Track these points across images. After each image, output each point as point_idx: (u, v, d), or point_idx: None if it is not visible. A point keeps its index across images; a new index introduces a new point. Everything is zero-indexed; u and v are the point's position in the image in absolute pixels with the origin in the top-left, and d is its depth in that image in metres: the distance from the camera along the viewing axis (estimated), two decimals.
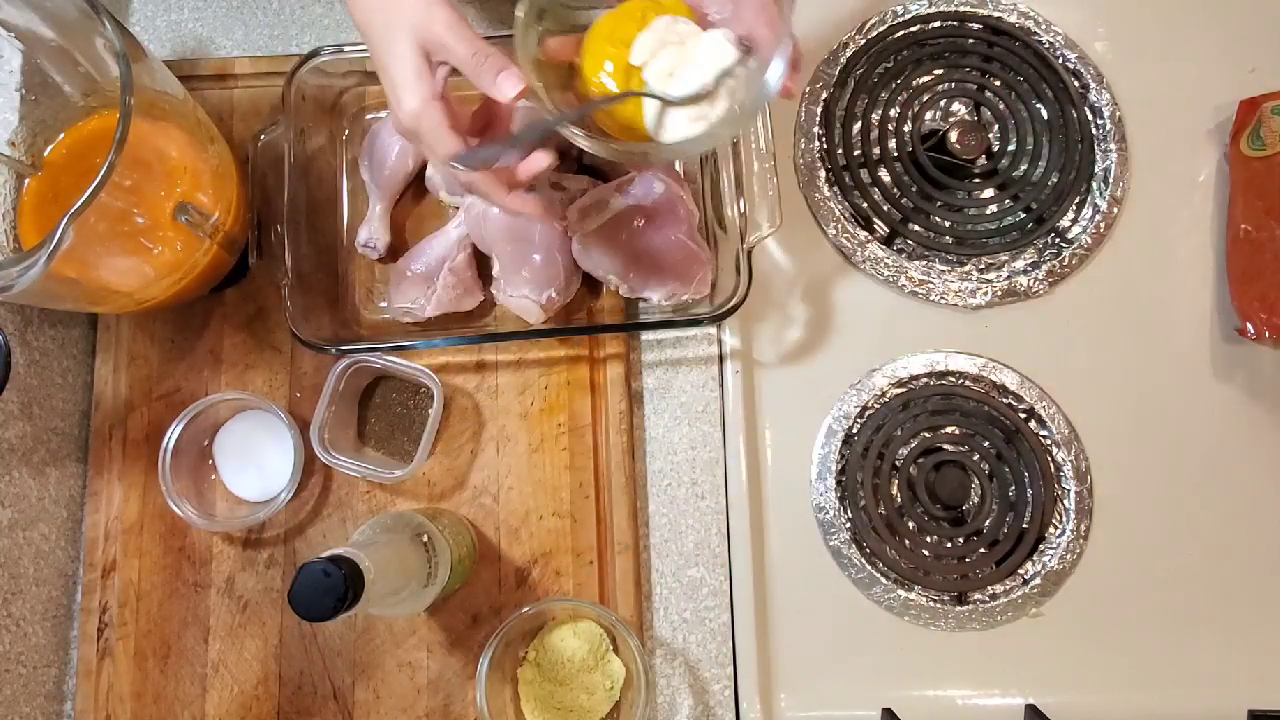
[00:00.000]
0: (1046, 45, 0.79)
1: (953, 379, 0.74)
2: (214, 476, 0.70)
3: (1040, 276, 0.75)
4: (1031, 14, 0.79)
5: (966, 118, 0.78)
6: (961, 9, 0.80)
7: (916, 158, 0.76)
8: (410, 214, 0.75)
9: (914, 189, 0.76)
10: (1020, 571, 0.71)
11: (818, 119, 0.78)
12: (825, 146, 0.78)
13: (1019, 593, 0.70)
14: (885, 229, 0.76)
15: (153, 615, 0.68)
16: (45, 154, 0.65)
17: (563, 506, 0.69)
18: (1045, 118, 0.77)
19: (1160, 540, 0.71)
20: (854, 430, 0.73)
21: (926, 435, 0.73)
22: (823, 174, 0.77)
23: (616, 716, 0.65)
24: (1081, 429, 0.72)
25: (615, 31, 0.52)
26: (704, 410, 0.72)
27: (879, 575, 0.70)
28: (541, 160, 0.54)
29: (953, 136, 0.74)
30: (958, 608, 0.70)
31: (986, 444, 0.72)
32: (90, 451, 0.71)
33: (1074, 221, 0.76)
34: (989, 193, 0.77)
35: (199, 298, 0.71)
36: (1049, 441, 0.72)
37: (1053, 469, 0.72)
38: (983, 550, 0.70)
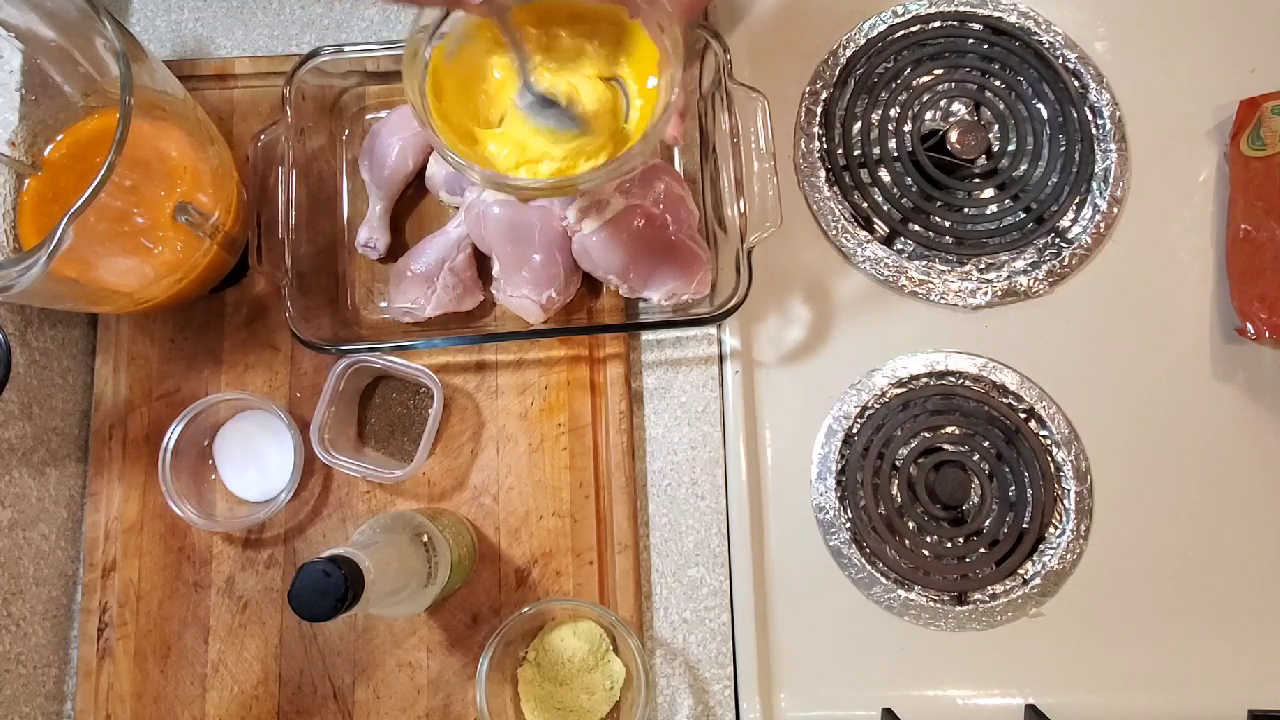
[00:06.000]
0: (1046, 45, 0.79)
1: (953, 379, 0.74)
2: (214, 476, 0.70)
3: (1040, 276, 0.75)
4: (1031, 14, 0.79)
5: (966, 118, 0.78)
6: (961, 9, 0.79)
7: (916, 158, 0.76)
8: (410, 214, 0.75)
9: (914, 189, 0.76)
10: (1020, 571, 0.71)
11: (818, 119, 0.78)
12: (825, 146, 0.77)
13: (1019, 593, 0.70)
14: (885, 229, 0.76)
15: (153, 615, 0.68)
16: (45, 154, 0.65)
17: (563, 506, 0.69)
18: (1045, 118, 0.77)
19: (1160, 540, 0.71)
20: (854, 430, 0.73)
21: (926, 435, 0.73)
22: (823, 174, 0.77)
23: (616, 716, 0.65)
24: (1081, 429, 0.72)
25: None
26: (704, 410, 0.72)
27: (879, 575, 0.70)
28: None
29: (953, 136, 0.74)
30: (958, 608, 0.70)
31: (986, 444, 0.72)
32: (90, 451, 0.71)
33: (1074, 221, 0.76)
34: (989, 193, 0.77)
35: (199, 298, 0.71)
36: (1049, 441, 0.72)
37: (1053, 469, 0.72)
38: (983, 550, 0.70)
